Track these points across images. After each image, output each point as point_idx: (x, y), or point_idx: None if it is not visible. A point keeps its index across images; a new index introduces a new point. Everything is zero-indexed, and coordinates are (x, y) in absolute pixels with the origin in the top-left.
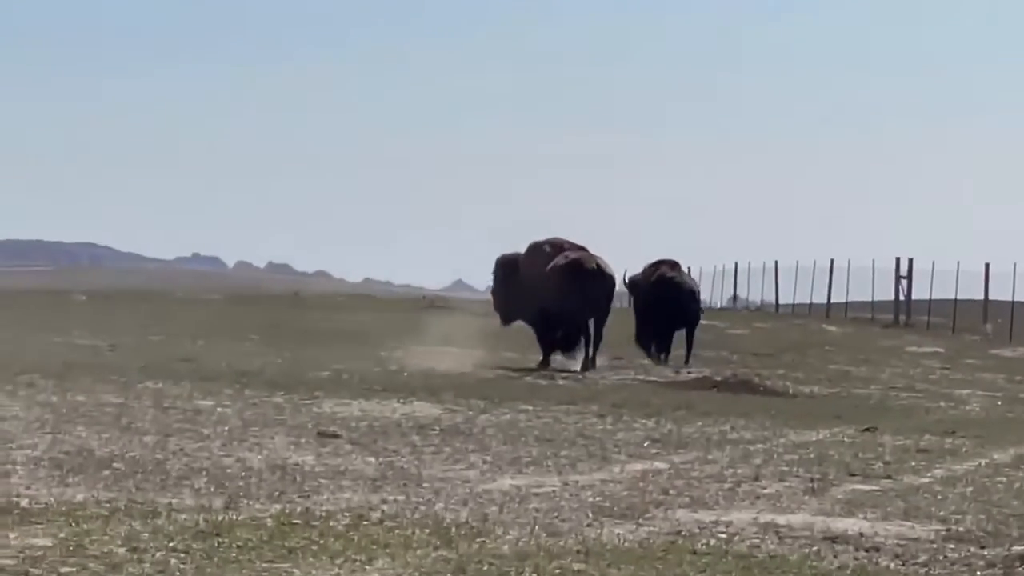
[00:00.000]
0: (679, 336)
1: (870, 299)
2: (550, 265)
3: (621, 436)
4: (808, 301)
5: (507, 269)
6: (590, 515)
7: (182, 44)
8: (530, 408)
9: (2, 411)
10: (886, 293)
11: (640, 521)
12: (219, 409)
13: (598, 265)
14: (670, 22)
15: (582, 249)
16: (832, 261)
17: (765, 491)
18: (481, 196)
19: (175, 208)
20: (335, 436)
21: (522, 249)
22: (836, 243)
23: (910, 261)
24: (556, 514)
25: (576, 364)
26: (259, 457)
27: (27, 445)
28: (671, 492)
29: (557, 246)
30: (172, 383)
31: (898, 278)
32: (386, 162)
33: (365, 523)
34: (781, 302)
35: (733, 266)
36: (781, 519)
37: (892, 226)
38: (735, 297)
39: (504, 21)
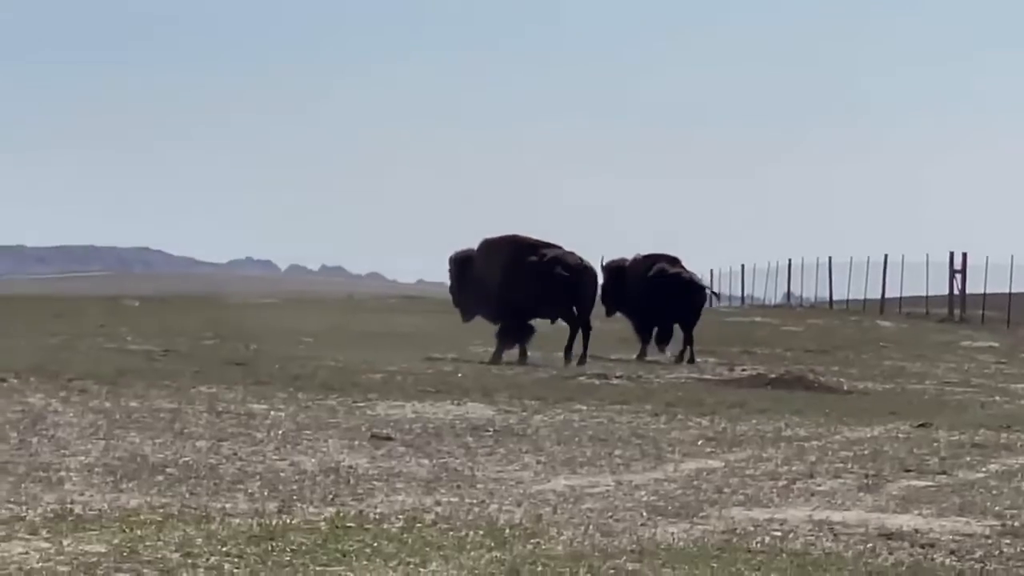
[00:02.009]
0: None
1: (924, 294)
2: (530, 262)
3: (675, 435)
4: (862, 297)
5: (461, 266)
6: (644, 515)
7: (234, 49)
8: (584, 408)
9: (56, 417)
10: (940, 288)
11: (694, 520)
12: (272, 413)
13: (583, 260)
14: (695, 20)
15: (550, 246)
16: (886, 257)
17: (820, 488)
18: (535, 200)
19: (228, 212)
20: (389, 439)
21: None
22: (889, 239)
23: (964, 255)
24: (610, 514)
25: (528, 356)
26: (312, 460)
27: (80, 451)
28: (725, 491)
29: (520, 242)
30: (225, 387)
31: (952, 273)
32: (440, 165)
33: (419, 525)
34: (835, 298)
35: (787, 263)
36: (836, 516)
37: (945, 221)
38: (789, 294)
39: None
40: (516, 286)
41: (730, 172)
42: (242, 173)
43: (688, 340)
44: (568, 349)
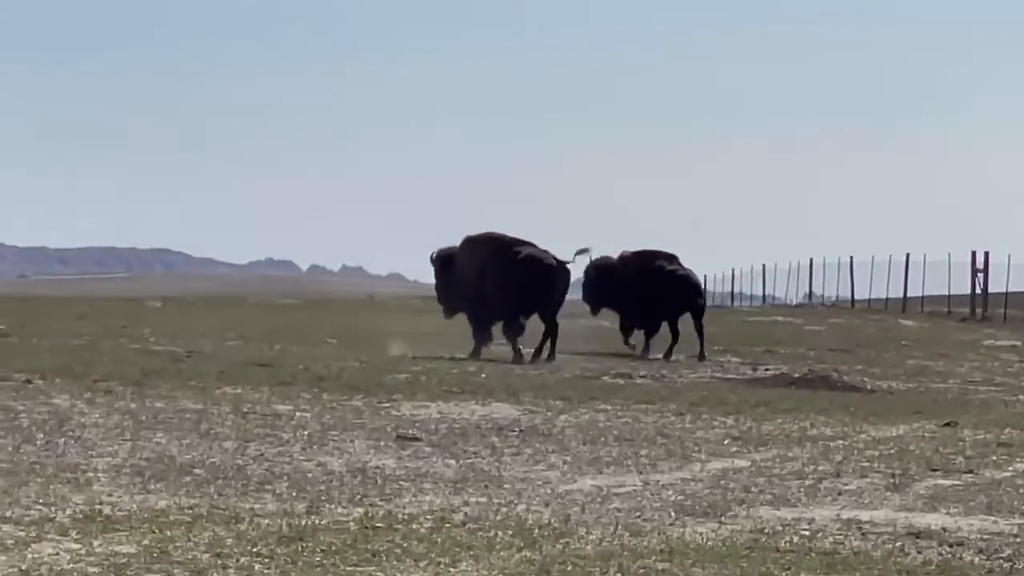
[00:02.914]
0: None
1: (944, 293)
2: (506, 259)
3: (701, 434)
4: (883, 296)
5: (444, 263)
6: (672, 514)
7: (254, 50)
8: (609, 408)
9: (82, 418)
10: (961, 287)
11: (723, 520)
12: (298, 413)
13: (556, 259)
14: (711, 17)
15: (524, 243)
16: (907, 256)
17: (847, 487)
18: (554, 200)
19: (248, 213)
20: (415, 439)
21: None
22: (910, 237)
23: (986, 254)
24: (638, 514)
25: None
26: (339, 461)
27: (107, 452)
28: (753, 490)
29: (497, 240)
30: (250, 388)
31: (974, 271)
32: (461, 165)
33: (448, 525)
34: (856, 297)
35: (808, 263)
36: (864, 515)
37: (967, 219)
38: (811, 294)
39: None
40: (490, 283)
41: (750, 171)
42: (262, 174)
43: (699, 334)
44: (539, 348)
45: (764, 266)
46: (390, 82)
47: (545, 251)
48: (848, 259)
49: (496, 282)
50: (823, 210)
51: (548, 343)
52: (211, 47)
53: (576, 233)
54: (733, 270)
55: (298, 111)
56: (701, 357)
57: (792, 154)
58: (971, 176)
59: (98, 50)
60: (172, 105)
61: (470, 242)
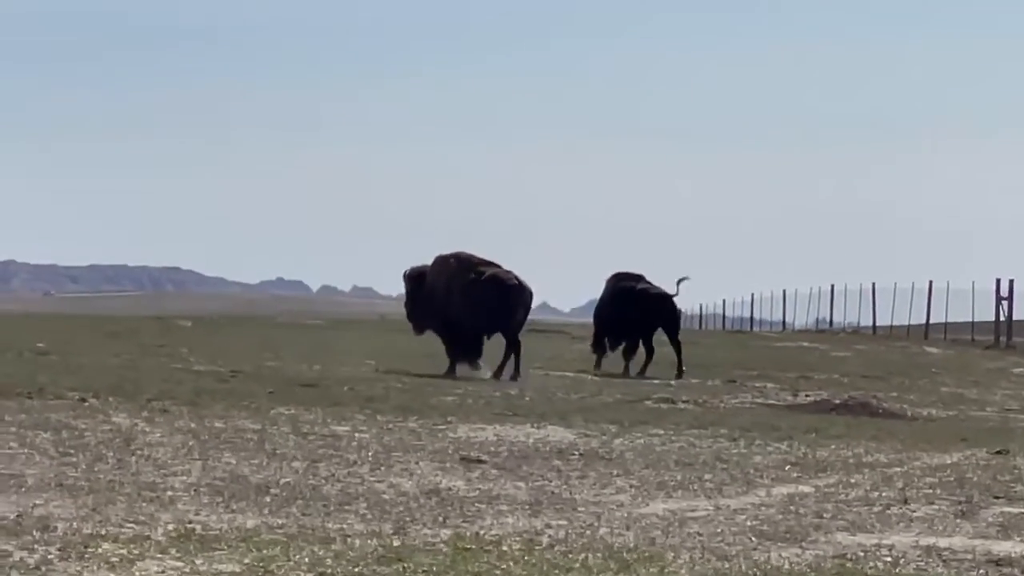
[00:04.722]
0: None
1: (964, 320)
2: (470, 279)
3: (758, 460)
4: (901, 323)
5: (415, 281)
6: (753, 539)
7: (265, 71)
8: (661, 432)
9: (145, 437)
10: (983, 314)
11: (804, 544)
12: (357, 434)
13: (518, 279)
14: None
15: (491, 264)
16: (930, 283)
17: (915, 514)
18: (572, 224)
19: (259, 232)
20: (480, 461)
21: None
22: (929, 265)
23: (1011, 282)
24: (720, 538)
25: (483, 374)
26: (410, 482)
27: (180, 471)
28: (824, 516)
29: (464, 260)
30: (303, 409)
31: (999, 299)
32: (470, 186)
33: (537, 548)
34: (875, 324)
35: (829, 288)
36: (942, 542)
37: (988, 247)
38: (821, 319)
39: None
40: (454, 301)
41: (767, 197)
42: (272, 193)
43: (676, 350)
44: (500, 366)
45: (784, 291)
46: (406, 103)
47: (508, 272)
48: (871, 285)
49: (460, 301)
50: (834, 237)
51: (512, 361)
52: (220, 67)
53: (588, 258)
54: (752, 295)
55: (310, 131)
56: (679, 375)
57: (811, 180)
58: (992, 202)
59: (106, 68)
60: (183, 125)
61: (439, 261)
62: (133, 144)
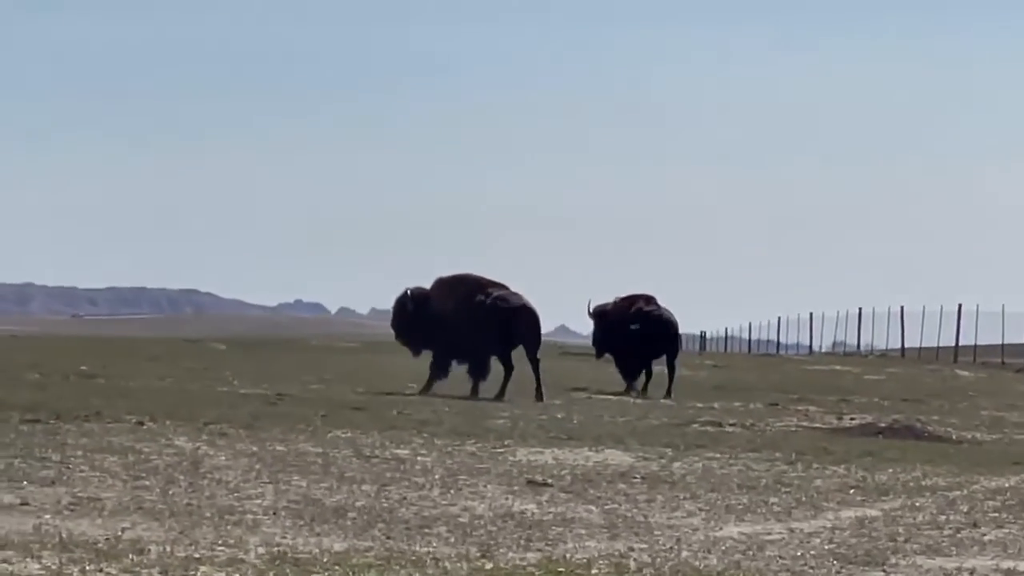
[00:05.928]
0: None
1: (993, 343)
2: (480, 301)
3: (819, 483)
4: (935, 345)
5: (417, 303)
6: (835, 562)
7: (282, 89)
8: (718, 456)
9: (211, 460)
10: (1014, 336)
11: (886, 568)
12: (419, 458)
13: (524, 301)
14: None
15: (498, 285)
16: (960, 306)
17: (987, 538)
18: (586, 250)
19: (277, 254)
20: (547, 484)
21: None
22: (955, 287)
23: None
24: (802, 561)
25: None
26: (483, 506)
27: (253, 494)
28: (898, 539)
29: (470, 282)
30: (360, 432)
31: None
32: (486, 206)
33: (626, 572)
34: (899, 346)
35: (857, 312)
36: (1021, 566)
37: (1012, 270)
38: (858, 344)
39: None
40: (457, 324)
41: (793, 221)
42: (290, 215)
43: (671, 373)
44: (501, 390)
45: (811, 314)
46: (422, 123)
47: (516, 293)
48: (899, 309)
49: (466, 322)
50: (863, 261)
51: (505, 384)
52: (237, 86)
53: (606, 282)
54: (780, 318)
55: (329, 152)
56: (667, 395)
57: (838, 204)
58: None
59: (122, 86)
60: (199, 146)
61: (439, 283)
62: (150, 166)
